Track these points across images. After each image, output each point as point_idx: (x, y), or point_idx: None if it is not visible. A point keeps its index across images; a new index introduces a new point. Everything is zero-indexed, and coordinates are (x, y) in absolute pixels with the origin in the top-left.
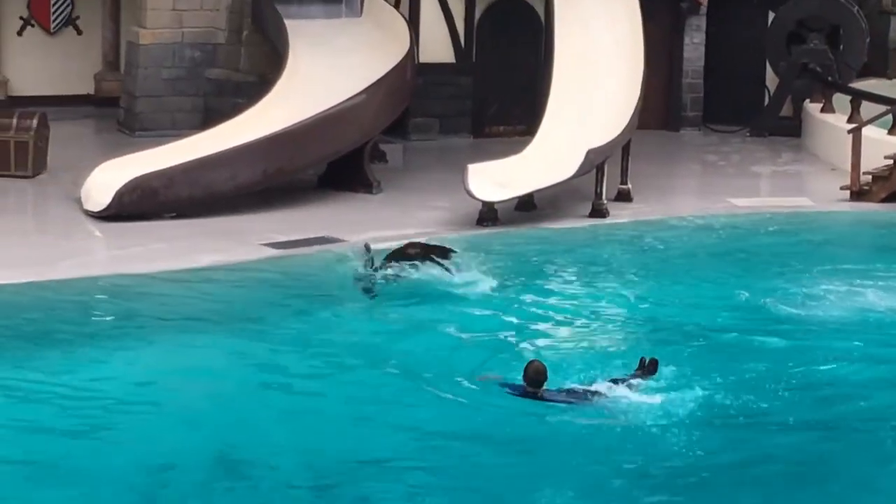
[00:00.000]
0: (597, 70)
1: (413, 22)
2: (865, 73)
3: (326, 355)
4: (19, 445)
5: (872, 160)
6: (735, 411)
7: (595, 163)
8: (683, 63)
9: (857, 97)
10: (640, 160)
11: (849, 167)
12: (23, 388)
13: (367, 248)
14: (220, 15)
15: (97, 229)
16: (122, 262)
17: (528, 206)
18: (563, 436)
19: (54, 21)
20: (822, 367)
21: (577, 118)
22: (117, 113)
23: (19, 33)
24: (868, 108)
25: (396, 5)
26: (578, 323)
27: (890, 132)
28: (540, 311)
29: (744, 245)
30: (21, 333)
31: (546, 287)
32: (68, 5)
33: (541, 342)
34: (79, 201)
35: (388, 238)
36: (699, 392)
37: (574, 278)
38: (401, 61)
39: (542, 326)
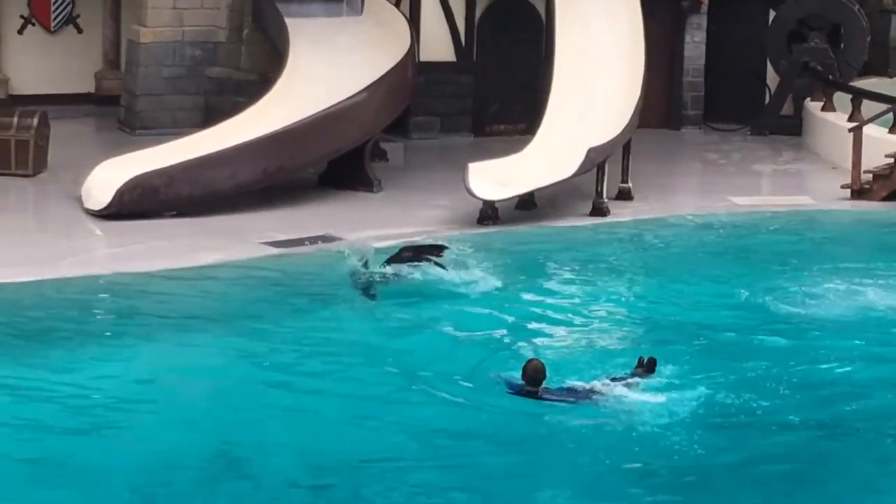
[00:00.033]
0: (597, 69)
1: (414, 20)
2: (866, 71)
3: (326, 354)
4: (19, 443)
5: (873, 159)
6: (735, 410)
7: (596, 161)
8: (684, 61)
9: (858, 96)
10: (641, 159)
11: (849, 166)
12: (23, 387)
13: (367, 249)
14: (220, 13)
15: (98, 228)
16: (123, 261)
17: (528, 205)
18: (562, 435)
19: (55, 19)
20: (822, 367)
21: (577, 117)
22: (118, 111)
23: (20, 32)
24: (869, 107)
25: (397, 4)
26: (579, 322)
27: (891, 131)
28: (540, 310)
29: (744, 244)
30: (22, 332)
31: (546, 286)
32: (69, 4)
33: (541, 341)
34: (79, 200)
35: (389, 237)
36: (699, 391)
37: (574, 277)
38: (401, 60)
39: (542, 325)
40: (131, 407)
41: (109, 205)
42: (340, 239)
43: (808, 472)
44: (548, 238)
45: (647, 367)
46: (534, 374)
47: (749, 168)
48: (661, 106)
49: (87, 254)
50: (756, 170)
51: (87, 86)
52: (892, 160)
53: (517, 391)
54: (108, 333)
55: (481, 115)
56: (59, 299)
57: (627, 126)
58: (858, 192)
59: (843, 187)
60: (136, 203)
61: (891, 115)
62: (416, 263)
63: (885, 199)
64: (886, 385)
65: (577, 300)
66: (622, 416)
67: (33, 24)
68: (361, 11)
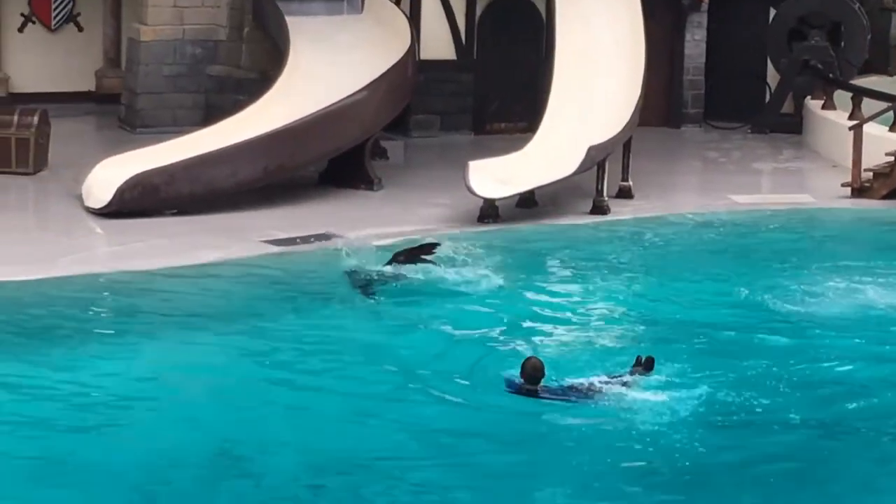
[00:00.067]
0: (598, 67)
1: (414, 18)
2: (866, 69)
3: (327, 352)
4: (20, 441)
5: (873, 157)
6: (735, 409)
7: (596, 160)
8: (684, 60)
9: (859, 94)
10: (641, 157)
11: (850, 164)
12: (24, 385)
13: (367, 248)
14: (221, 12)
15: (98, 226)
16: (123, 259)
17: (529, 203)
18: (562, 434)
19: (55, 18)
20: (822, 365)
21: (578, 115)
22: (118, 110)
23: (20, 30)
24: (869, 105)
25: (397, 2)
26: (579, 320)
27: (891, 129)
28: (540, 309)
29: (744, 242)
30: (22, 330)
31: (547, 284)
32: (69, 2)
33: (541, 339)
34: (80, 198)
35: (390, 235)
36: (699, 390)
37: (575, 275)
38: (402, 58)
39: (542, 323)
40: (132, 405)
41: (110, 203)
42: (340, 237)
43: (808, 471)
44: (548, 236)
45: (645, 366)
46: (532, 373)
47: (749, 166)
48: (661, 104)
49: (88, 252)
50: (756, 168)
51: (87, 84)
52: (892, 158)
53: (516, 390)
54: (109, 331)
55: (482, 113)
56: (60, 297)
57: (628, 124)
58: (859, 191)
59: (843, 185)
60: (137, 201)
61: (891, 113)
62: (410, 264)
63: (886, 197)
64: (886, 384)
65: (577, 298)
66: (622, 415)
67: (34, 23)
68: (362, 10)
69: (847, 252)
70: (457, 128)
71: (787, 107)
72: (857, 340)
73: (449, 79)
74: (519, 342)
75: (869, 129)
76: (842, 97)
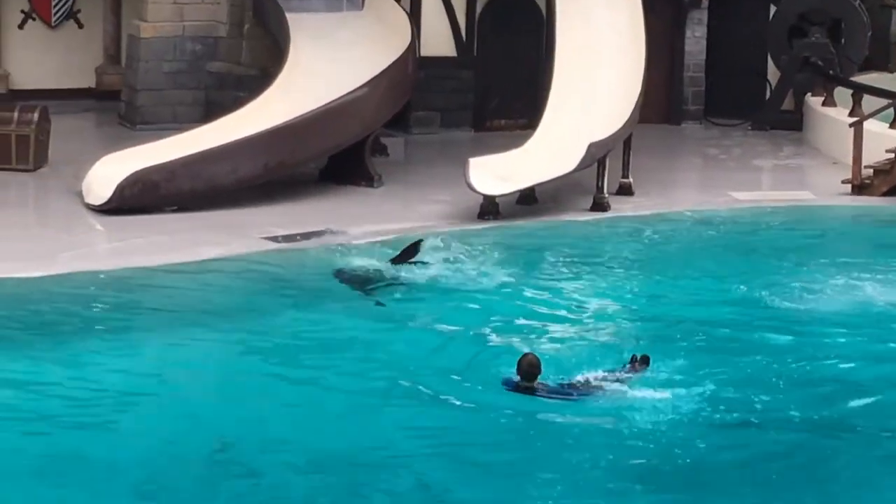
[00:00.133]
0: (598, 64)
1: (414, 15)
2: (867, 66)
3: (326, 349)
4: (20, 436)
5: (874, 154)
6: (735, 407)
7: (596, 156)
8: (685, 57)
9: (859, 91)
10: (642, 154)
11: (850, 161)
12: (24, 381)
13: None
14: (221, 8)
15: (98, 223)
16: (123, 256)
17: (529, 200)
18: (561, 432)
19: (55, 14)
20: (822, 363)
21: (578, 112)
22: (118, 106)
23: (20, 27)
24: (869, 102)
25: None
26: (579, 317)
27: (891, 126)
28: (540, 305)
29: (745, 239)
30: (22, 326)
31: (547, 281)
32: None
33: (540, 336)
34: (80, 195)
35: (390, 231)
36: (698, 387)
37: (575, 272)
38: (402, 55)
39: (542, 320)
40: (132, 400)
41: (110, 200)
42: (342, 234)
43: (808, 468)
44: (548, 233)
45: (640, 363)
46: (528, 369)
47: (749, 163)
48: (661, 101)
49: (88, 248)
50: (756, 165)
51: (87, 81)
52: (892, 155)
53: (513, 387)
54: (109, 328)
55: (482, 110)
56: (60, 294)
57: (628, 121)
58: (859, 188)
59: (843, 182)
60: (137, 198)
61: (891, 110)
62: (404, 265)
63: (886, 194)
64: (886, 381)
65: (577, 295)
66: (621, 413)
67: (34, 19)
68: (362, 6)
69: (847, 249)
70: (457, 124)
71: (788, 104)
72: (857, 338)
73: (449, 75)
74: (517, 339)
75: (869, 125)
76: (842, 94)
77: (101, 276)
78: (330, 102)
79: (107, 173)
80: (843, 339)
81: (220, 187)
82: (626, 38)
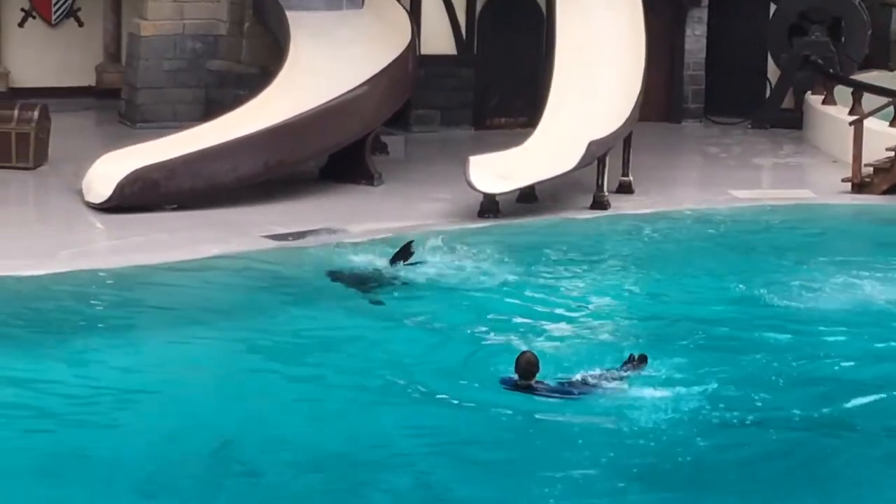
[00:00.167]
0: (598, 62)
1: (414, 13)
2: (867, 64)
3: (326, 347)
4: (20, 434)
5: (874, 152)
6: (734, 405)
7: (596, 155)
8: (685, 55)
9: (859, 89)
10: (642, 152)
11: (850, 159)
12: (25, 379)
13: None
14: (221, 6)
15: (98, 221)
16: (124, 254)
17: (529, 198)
18: (560, 431)
19: (55, 13)
20: (822, 362)
21: (578, 110)
22: (118, 104)
23: (21, 25)
24: (869, 100)
25: None
26: (578, 315)
27: (891, 124)
28: (540, 304)
29: (745, 237)
30: (23, 324)
31: (547, 279)
32: None
33: (540, 335)
34: (80, 193)
35: (390, 230)
36: (698, 386)
37: (575, 270)
38: (402, 53)
39: (542, 318)
40: (132, 398)
41: (110, 198)
42: (341, 232)
43: (808, 467)
44: (548, 231)
45: (638, 362)
46: (526, 367)
47: (749, 161)
48: (661, 99)
49: (88, 246)
50: (756, 163)
51: (87, 79)
52: (892, 154)
53: (511, 386)
54: (110, 325)
55: (482, 108)
56: (60, 292)
57: (628, 119)
58: (859, 186)
59: (843, 181)
60: (137, 196)
61: (891, 108)
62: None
63: (886, 192)
64: (886, 380)
65: (576, 294)
66: (620, 412)
67: (34, 17)
68: (362, 4)
69: (847, 247)
70: (457, 123)
71: (788, 102)
72: (857, 336)
73: (449, 74)
74: (517, 337)
75: (869, 124)
76: (842, 92)
77: (102, 274)
78: (330, 101)
79: (107, 171)
80: (843, 338)
81: (221, 185)
82: (627, 37)
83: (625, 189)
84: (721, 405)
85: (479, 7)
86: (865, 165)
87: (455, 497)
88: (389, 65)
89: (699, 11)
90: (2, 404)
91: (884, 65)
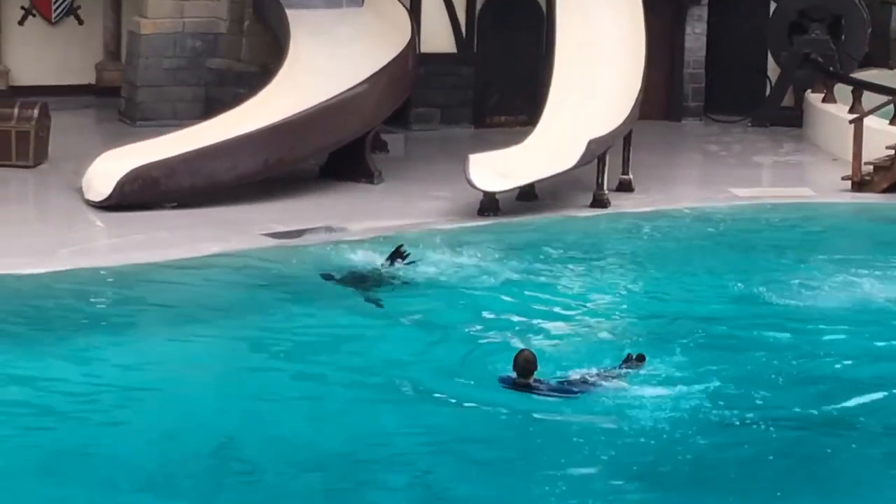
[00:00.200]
0: (598, 60)
1: (414, 11)
2: (867, 63)
3: (325, 346)
4: (20, 431)
5: (874, 150)
6: (734, 404)
7: (596, 153)
8: (685, 53)
9: (859, 87)
10: (642, 150)
11: (850, 157)
12: (26, 377)
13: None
14: (221, 5)
15: (98, 219)
16: (124, 252)
17: (529, 196)
18: (559, 430)
19: (55, 11)
20: (822, 360)
21: (578, 108)
22: (118, 103)
23: (20, 23)
24: (870, 99)
25: None
26: (578, 313)
27: (891, 122)
28: (540, 302)
29: (744, 236)
30: (23, 322)
31: (546, 277)
32: None
33: (539, 333)
34: (80, 191)
35: (390, 228)
36: (698, 385)
37: (575, 268)
38: (402, 51)
39: (541, 317)
40: (132, 396)
41: (110, 196)
42: (341, 230)
43: (808, 466)
44: (548, 229)
45: (637, 361)
46: (524, 365)
47: (750, 160)
48: (661, 97)
49: (88, 245)
50: (756, 161)
51: (87, 77)
52: (892, 152)
53: (509, 384)
54: (111, 323)
55: (482, 106)
56: (60, 290)
57: (628, 117)
58: (859, 184)
59: (843, 179)
60: (137, 194)
61: (891, 106)
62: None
63: (886, 190)
64: (886, 379)
65: (576, 292)
66: (620, 410)
67: (34, 16)
68: (362, 2)
69: (847, 246)
70: (457, 121)
71: (788, 100)
72: (856, 335)
73: (449, 72)
74: (516, 336)
75: (869, 122)
76: (842, 90)
77: (102, 272)
78: (330, 99)
79: (107, 170)
80: (842, 336)
81: (220, 184)
82: (627, 35)
83: (625, 187)
84: (721, 404)
85: (479, 5)
86: (865, 164)
87: (454, 496)
88: (389, 63)
89: (699, 9)
90: (3, 402)
91: (884, 63)
